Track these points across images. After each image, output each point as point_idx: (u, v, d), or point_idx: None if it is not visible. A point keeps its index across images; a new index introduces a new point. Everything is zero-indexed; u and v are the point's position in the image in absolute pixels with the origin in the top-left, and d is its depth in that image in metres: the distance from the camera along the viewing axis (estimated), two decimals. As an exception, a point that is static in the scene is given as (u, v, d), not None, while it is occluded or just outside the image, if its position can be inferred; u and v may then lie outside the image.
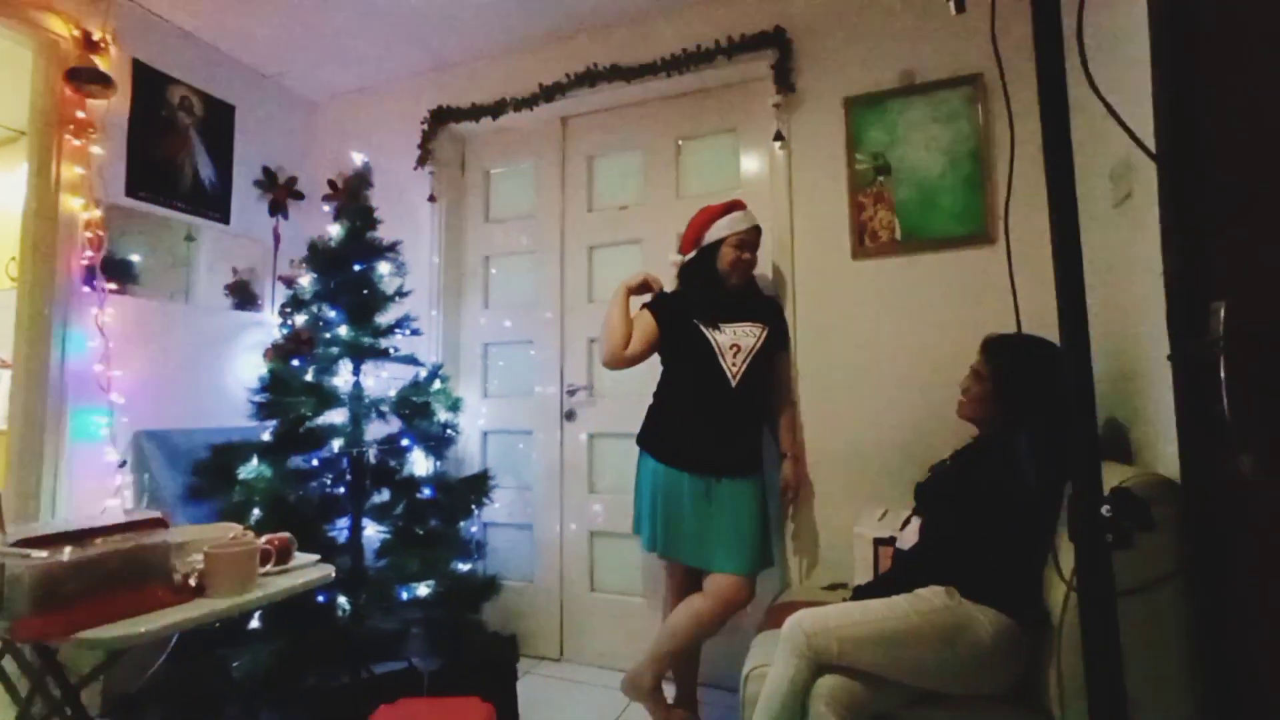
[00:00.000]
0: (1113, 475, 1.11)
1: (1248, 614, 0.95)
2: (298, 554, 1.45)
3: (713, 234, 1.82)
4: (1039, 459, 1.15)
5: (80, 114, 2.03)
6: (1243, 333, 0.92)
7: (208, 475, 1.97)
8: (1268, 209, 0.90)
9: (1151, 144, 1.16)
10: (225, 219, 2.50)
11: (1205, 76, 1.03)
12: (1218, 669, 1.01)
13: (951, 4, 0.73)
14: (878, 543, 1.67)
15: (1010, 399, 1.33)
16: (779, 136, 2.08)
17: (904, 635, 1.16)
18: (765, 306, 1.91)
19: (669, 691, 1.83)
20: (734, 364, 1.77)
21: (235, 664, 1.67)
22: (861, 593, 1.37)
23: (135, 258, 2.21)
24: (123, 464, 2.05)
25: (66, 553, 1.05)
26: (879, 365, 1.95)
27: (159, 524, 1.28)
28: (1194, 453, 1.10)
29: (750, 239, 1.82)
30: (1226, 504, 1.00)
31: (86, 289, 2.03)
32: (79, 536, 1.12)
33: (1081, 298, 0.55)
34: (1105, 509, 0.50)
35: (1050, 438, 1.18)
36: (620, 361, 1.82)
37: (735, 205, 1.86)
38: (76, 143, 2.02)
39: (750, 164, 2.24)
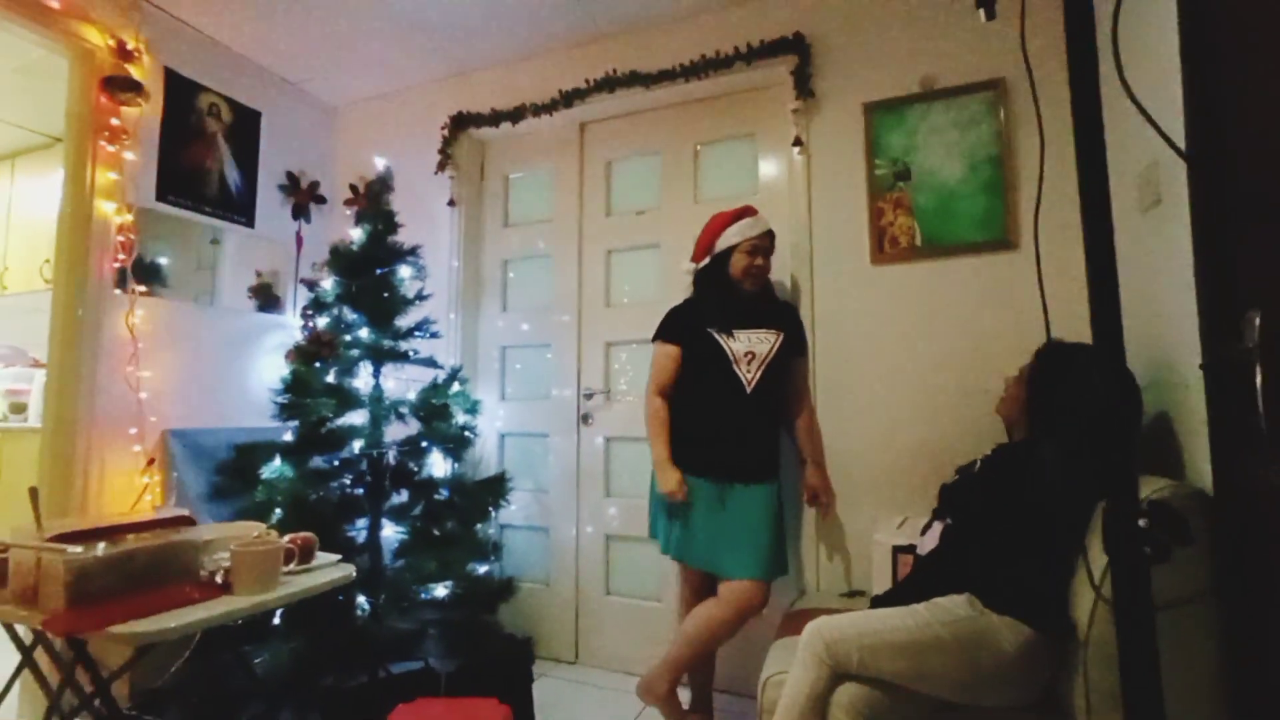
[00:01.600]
0: (1145, 487, 1.09)
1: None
2: (319, 554, 1.47)
3: (725, 241, 1.82)
4: (1066, 468, 1.13)
5: (114, 121, 2.08)
6: (1278, 341, 0.90)
7: (231, 474, 2.00)
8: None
9: (1185, 170, 1.15)
10: (250, 222, 2.55)
11: (1234, 82, 1.02)
12: (1249, 684, 0.98)
13: (982, 11, 0.73)
14: (897, 550, 1.66)
15: (1041, 405, 1.31)
16: (798, 142, 2.08)
17: (926, 646, 1.15)
18: (781, 312, 1.90)
19: (684, 697, 1.83)
20: (748, 371, 1.77)
21: (258, 660, 1.70)
22: (881, 600, 1.36)
23: (163, 261, 2.26)
24: (150, 463, 2.10)
25: (100, 548, 1.08)
26: (898, 371, 1.94)
27: (187, 522, 1.30)
28: (1227, 463, 1.07)
29: (763, 244, 1.82)
30: (1261, 515, 0.97)
31: (118, 291, 2.08)
32: (111, 533, 1.14)
33: (1116, 305, 0.55)
34: (1142, 522, 0.49)
35: (1082, 448, 1.16)
36: (668, 402, 1.83)
37: (747, 211, 1.85)
38: (110, 149, 2.07)
39: (769, 169, 2.24)
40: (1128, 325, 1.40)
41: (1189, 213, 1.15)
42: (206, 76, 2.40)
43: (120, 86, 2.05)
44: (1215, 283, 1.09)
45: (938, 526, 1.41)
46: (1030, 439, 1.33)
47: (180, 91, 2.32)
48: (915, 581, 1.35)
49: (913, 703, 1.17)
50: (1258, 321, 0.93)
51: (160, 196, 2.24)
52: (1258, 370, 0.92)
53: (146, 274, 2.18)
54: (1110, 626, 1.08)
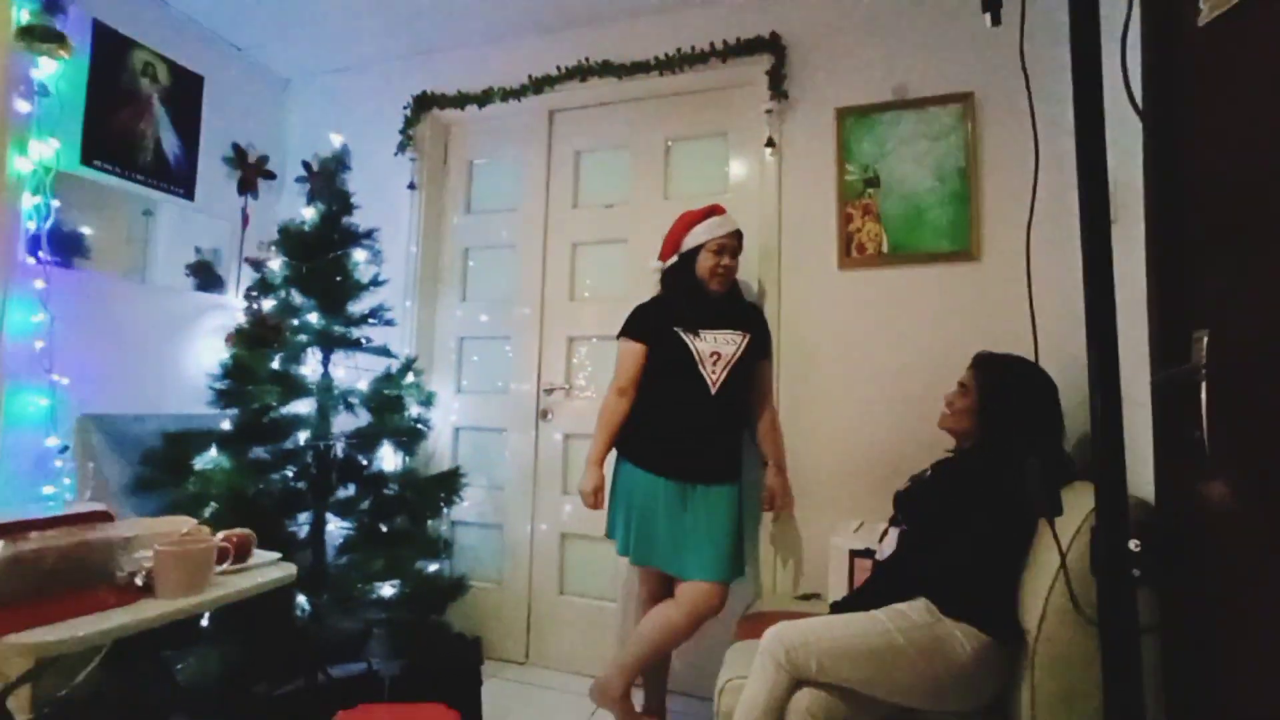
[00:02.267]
0: (1084, 493, 1.12)
1: (1220, 634, 0.97)
2: (257, 551, 1.37)
3: (692, 239, 1.80)
4: (1049, 486, 1.14)
5: (32, 74, 1.89)
6: (1223, 361, 0.94)
7: (159, 465, 1.86)
8: (1250, 239, 0.92)
9: (1141, 192, 1.19)
10: (189, 195, 2.38)
11: (1189, 109, 1.05)
12: (1190, 695, 1.02)
13: (987, 16, 0.73)
14: (854, 554, 1.67)
15: (992, 417, 1.34)
16: (770, 143, 2.08)
17: (885, 652, 1.16)
18: (747, 313, 1.89)
19: (638, 699, 1.80)
20: (714, 372, 1.76)
21: (180, 666, 1.58)
22: (840, 606, 1.36)
23: (86, 230, 2.07)
24: (64, 450, 1.92)
25: (-2, 547, 0.97)
26: (861, 375, 1.96)
27: (103, 517, 1.19)
28: (1169, 476, 1.12)
29: (730, 244, 1.80)
30: (1200, 526, 1.02)
31: (31, 260, 1.90)
32: (13, 530, 1.03)
33: (1112, 323, 0.54)
34: (1134, 544, 0.49)
35: (1052, 458, 1.19)
36: (626, 402, 1.80)
37: (714, 210, 1.84)
38: (26, 105, 1.88)
39: (739, 168, 2.23)
40: (1078, 337, 1.44)
41: (1144, 231, 1.20)
42: (141, 32, 2.21)
43: (39, 36, 1.86)
44: (1166, 301, 1.13)
45: (894, 532, 1.43)
46: (986, 450, 1.35)
47: (110, 47, 2.13)
48: (874, 586, 1.36)
49: (870, 708, 1.18)
50: (1205, 341, 0.97)
51: (85, 160, 2.05)
52: (1203, 389, 0.96)
53: (66, 243, 1.99)
54: (1056, 632, 1.12)
